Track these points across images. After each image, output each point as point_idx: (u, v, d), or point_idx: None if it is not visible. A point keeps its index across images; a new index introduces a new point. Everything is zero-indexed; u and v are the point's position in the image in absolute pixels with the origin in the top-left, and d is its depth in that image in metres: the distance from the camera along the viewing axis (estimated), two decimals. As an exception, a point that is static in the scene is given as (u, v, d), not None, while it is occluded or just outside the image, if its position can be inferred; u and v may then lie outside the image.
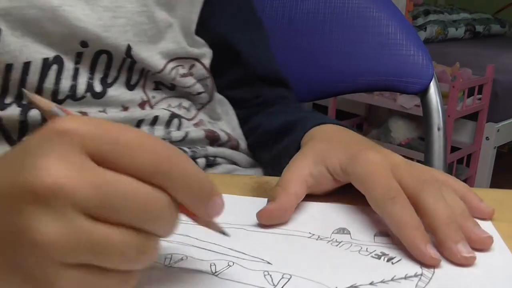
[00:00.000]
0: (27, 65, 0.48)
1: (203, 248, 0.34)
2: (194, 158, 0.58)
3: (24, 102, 0.50)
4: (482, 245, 0.35)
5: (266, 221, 0.38)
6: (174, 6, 0.57)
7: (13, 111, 0.49)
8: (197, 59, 0.61)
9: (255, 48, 0.68)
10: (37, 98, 0.31)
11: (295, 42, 0.82)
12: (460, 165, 2.08)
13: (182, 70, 0.59)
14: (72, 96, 0.51)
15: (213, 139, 0.60)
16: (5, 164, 0.25)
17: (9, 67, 0.48)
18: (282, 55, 0.83)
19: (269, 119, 0.63)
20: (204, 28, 0.63)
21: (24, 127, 0.50)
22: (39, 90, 0.50)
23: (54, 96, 0.50)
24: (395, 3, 0.84)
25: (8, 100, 0.49)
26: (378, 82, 0.79)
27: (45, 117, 0.31)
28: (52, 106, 0.30)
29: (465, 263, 0.33)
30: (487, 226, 0.38)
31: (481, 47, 2.63)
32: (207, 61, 0.62)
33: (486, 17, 3.05)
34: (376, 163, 0.38)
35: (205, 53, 0.63)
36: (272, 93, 0.68)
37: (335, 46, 0.80)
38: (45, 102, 0.31)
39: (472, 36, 2.94)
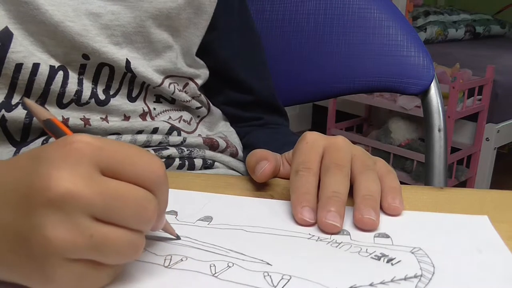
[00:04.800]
0: (36, 66, 0.49)
1: (203, 249, 0.34)
2: (191, 158, 0.58)
3: None
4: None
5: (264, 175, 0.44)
6: (177, 29, 0.59)
7: (20, 114, 0.50)
8: (191, 78, 0.63)
9: (256, 75, 0.70)
10: (34, 106, 0.35)
11: (296, 43, 0.82)
12: (460, 166, 2.08)
13: (178, 87, 0.61)
14: (77, 100, 0.53)
15: (211, 145, 0.61)
16: (18, 168, 0.29)
17: (19, 67, 0.49)
18: (283, 56, 0.83)
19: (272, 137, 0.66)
20: (207, 51, 0.64)
21: (27, 129, 0.51)
22: (46, 92, 0.51)
23: (60, 99, 0.52)
24: (395, 4, 0.84)
25: (14, 101, 0.50)
26: (378, 83, 0.79)
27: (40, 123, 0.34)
28: (47, 117, 0.34)
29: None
30: (487, 226, 0.38)
31: (481, 48, 2.63)
32: (200, 82, 0.64)
33: (486, 18, 3.05)
34: (307, 141, 0.42)
35: (201, 74, 0.64)
36: (271, 119, 0.71)
37: (335, 47, 0.80)
38: (41, 111, 0.34)
39: (472, 37, 2.94)
